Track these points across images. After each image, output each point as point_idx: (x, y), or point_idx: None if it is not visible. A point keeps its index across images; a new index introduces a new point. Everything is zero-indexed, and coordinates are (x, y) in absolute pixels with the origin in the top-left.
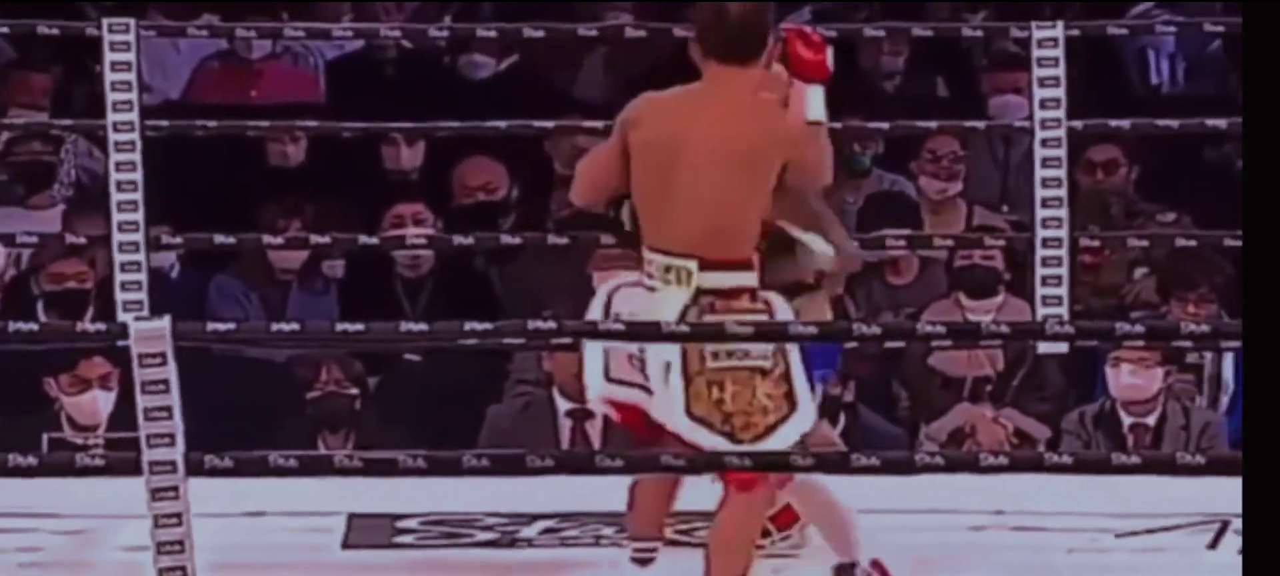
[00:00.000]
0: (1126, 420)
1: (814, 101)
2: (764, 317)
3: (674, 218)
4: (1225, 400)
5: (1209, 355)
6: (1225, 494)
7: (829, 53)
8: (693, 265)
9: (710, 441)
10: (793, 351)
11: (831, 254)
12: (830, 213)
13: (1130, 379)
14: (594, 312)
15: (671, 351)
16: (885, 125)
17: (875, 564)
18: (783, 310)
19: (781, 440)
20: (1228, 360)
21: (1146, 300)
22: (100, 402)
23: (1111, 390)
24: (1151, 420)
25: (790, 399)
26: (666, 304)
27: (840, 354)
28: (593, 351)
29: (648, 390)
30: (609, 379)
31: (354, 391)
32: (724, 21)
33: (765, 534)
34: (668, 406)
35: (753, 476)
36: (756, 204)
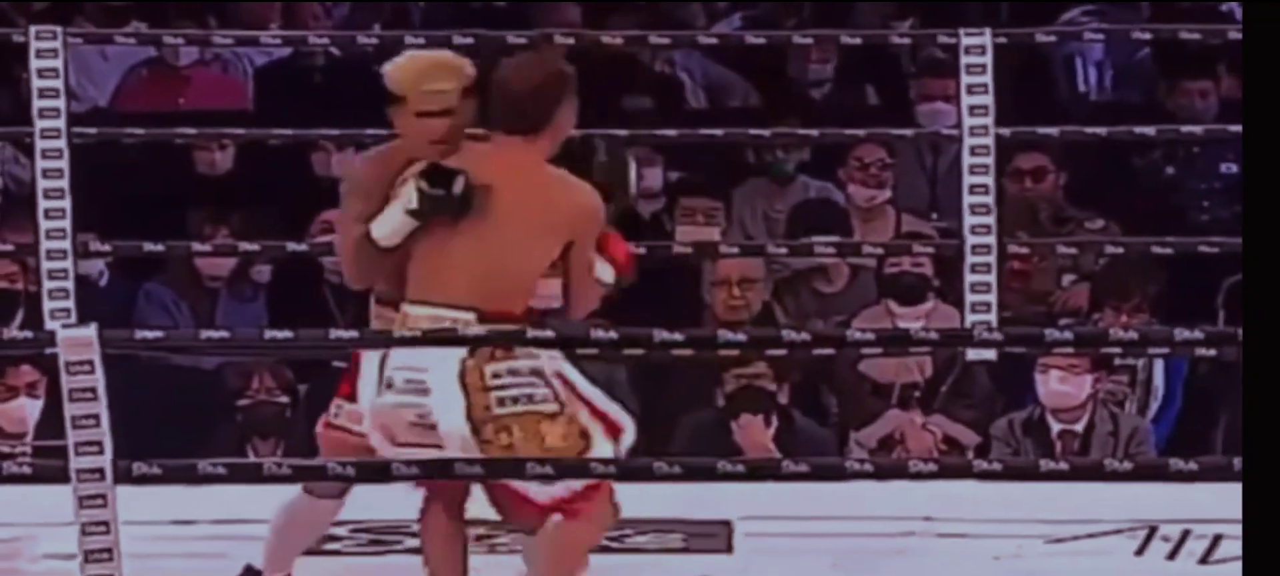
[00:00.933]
0: (1055, 427)
1: (604, 272)
2: (539, 363)
3: (455, 270)
4: (1155, 406)
5: (1142, 361)
6: (1152, 500)
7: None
8: (470, 316)
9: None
10: (581, 390)
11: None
12: None
13: (1059, 386)
14: (369, 381)
15: (456, 401)
16: (814, 132)
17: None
18: (568, 368)
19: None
20: (1159, 367)
21: (1075, 307)
22: (27, 410)
23: (1041, 397)
24: (1080, 427)
25: (585, 437)
26: (445, 357)
27: None
28: (375, 417)
29: (440, 447)
30: (397, 444)
31: (284, 399)
32: (505, 93)
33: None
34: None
35: (578, 505)
36: (539, 266)
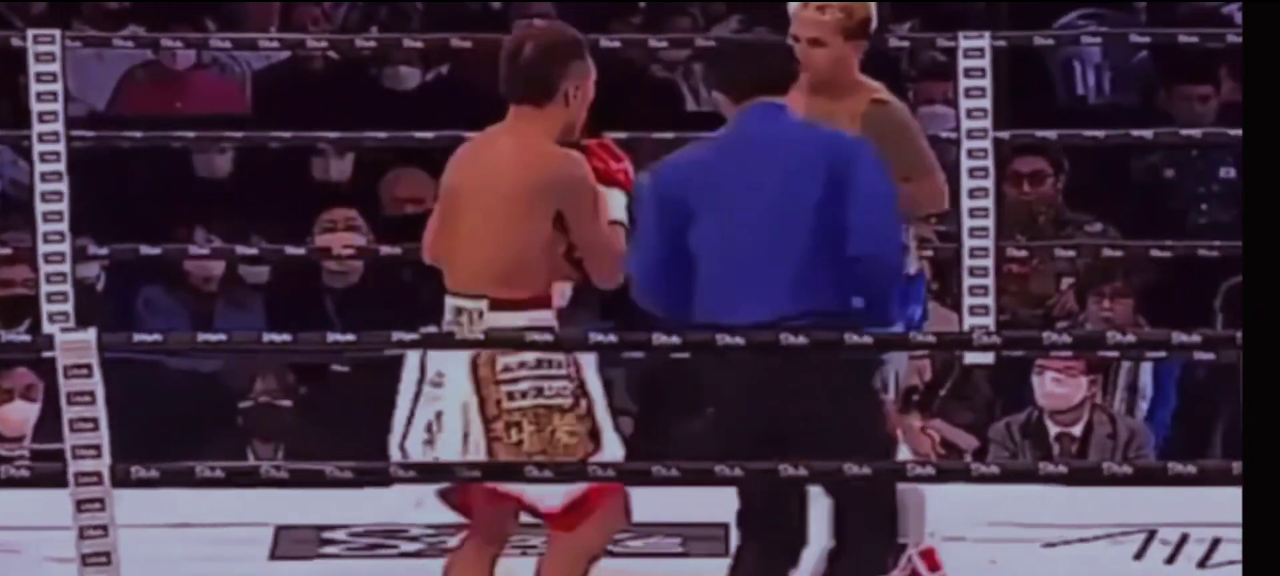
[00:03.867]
0: (1053, 429)
1: (615, 204)
2: (559, 356)
3: (465, 259)
4: (1144, 406)
5: (1126, 363)
6: (1151, 504)
7: (628, 163)
8: (483, 305)
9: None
10: (595, 385)
11: None
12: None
13: (1053, 387)
14: (411, 373)
15: (467, 398)
16: None
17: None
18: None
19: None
20: (1145, 368)
21: (1072, 309)
22: (24, 413)
23: (1037, 398)
24: (1078, 430)
25: (594, 435)
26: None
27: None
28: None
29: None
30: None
31: (286, 402)
32: (513, 62)
33: None
34: (473, 455)
35: (573, 516)
36: (538, 243)
